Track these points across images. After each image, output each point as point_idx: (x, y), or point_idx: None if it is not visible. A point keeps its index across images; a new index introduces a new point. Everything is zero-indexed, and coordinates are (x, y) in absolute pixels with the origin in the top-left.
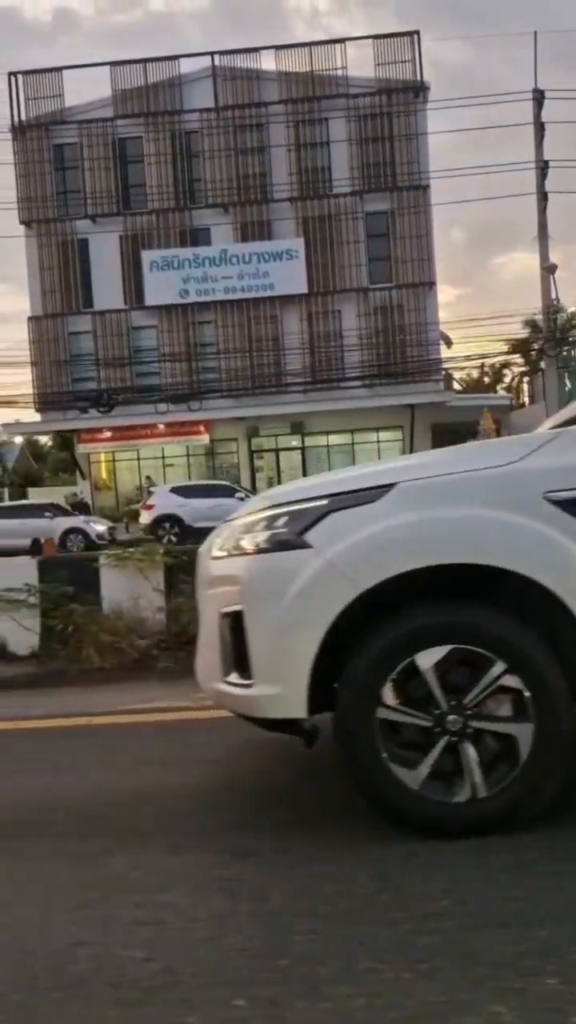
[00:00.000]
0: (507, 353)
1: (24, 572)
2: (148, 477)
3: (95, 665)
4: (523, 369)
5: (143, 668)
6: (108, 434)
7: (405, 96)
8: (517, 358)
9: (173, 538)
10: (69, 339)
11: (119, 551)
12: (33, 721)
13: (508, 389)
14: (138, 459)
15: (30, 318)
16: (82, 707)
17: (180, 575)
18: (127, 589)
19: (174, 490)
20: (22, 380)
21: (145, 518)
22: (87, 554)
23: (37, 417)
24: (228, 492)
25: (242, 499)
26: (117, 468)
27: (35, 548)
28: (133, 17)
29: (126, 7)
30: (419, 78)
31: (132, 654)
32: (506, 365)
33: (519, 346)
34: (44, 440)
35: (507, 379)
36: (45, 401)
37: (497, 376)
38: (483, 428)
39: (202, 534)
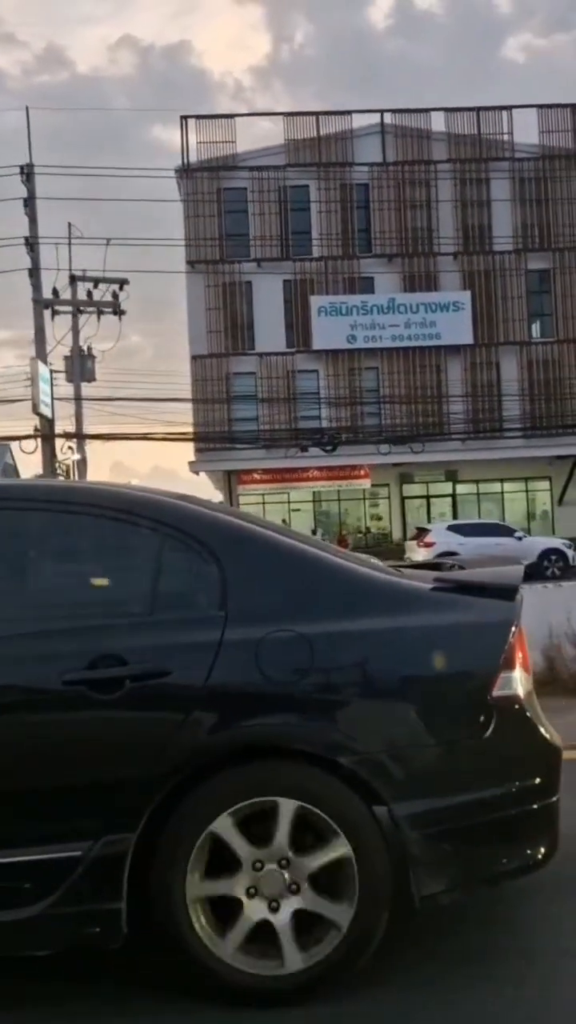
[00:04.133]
0: None
1: None
2: (284, 520)
3: None
4: None
5: None
6: (258, 476)
7: (566, 162)
8: None
9: None
10: (231, 379)
11: None
12: None
13: None
14: (288, 502)
15: (194, 357)
16: None
17: None
18: None
19: (451, 528)
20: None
21: (423, 555)
22: None
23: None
24: (507, 532)
25: (520, 539)
26: (266, 512)
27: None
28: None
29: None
30: None
31: None
32: None
33: None
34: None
35: None
36: (209, 439)
37: None
38: None
39: None
